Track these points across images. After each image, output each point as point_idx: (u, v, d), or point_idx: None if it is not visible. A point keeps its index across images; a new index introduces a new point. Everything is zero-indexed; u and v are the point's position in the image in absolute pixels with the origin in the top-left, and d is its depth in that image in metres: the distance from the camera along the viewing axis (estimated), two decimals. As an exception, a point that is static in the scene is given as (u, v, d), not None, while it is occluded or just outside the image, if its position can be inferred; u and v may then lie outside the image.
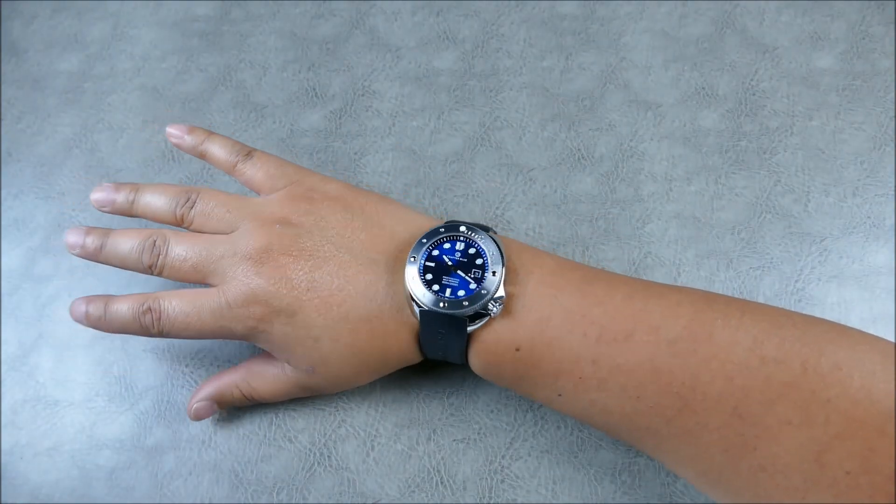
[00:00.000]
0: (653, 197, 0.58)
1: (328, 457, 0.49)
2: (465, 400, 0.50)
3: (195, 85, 0.66)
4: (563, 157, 0.61)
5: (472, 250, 0.33)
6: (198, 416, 0.45)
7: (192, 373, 0.53)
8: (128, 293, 0.57)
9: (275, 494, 0.48)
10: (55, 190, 0.62)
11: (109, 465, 0.50)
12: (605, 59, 0.64)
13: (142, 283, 0.56)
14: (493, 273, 0.33)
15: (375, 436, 0.50)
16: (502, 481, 0.48)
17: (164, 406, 0.52)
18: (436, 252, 0.34)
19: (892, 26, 0.63)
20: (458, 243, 0.34)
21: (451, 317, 0.32)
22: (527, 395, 0.36)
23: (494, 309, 0.32)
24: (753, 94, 0.62)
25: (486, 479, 0.48)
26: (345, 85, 0.66)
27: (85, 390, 0.53)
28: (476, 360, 0.35)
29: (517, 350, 0.32)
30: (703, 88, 0.63)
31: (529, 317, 0.32)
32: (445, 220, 0.37)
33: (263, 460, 0.50)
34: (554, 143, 0.62)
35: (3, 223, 0.60)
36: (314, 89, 0.65)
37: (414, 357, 0.38)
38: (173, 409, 0.52)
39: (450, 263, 0.33)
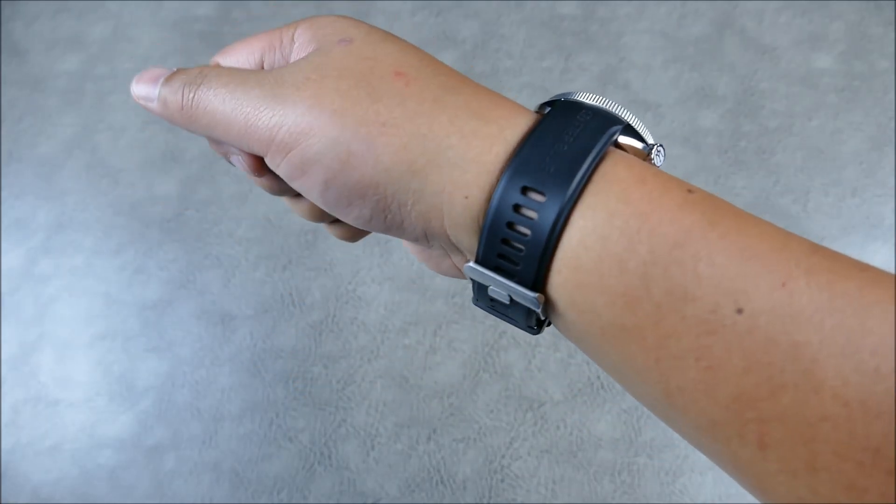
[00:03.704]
0: (652, 197, 0.58)
1: (328, 456, 0.49)
2: (465, 400, 0.50)
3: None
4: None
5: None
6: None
7: (192, 372, 0.53)
8: (130, 293, 0.57)
9: (275, 494, 0.49)
10: (56, 190, 0.62)
11: (110, 465, 0.51)
12: (605, 59, 0.65)
13: (142, 284, 0.57)
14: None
15: (375, 436, 0.50)
16: (502, 481, 0.48)
17: (164, 406, 0.52)
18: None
19: (891, 27, 0.63)
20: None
21: (596, 112, 0.21)
22: (638, 347, 0.19)
23: (659, 149, 0.21)
24: (752, 95, 0.62)
25: (486, 478, 0.48)
26: (345, 85, 0.66)
27: (86, 390, 0.53)
28: (601, 200, 0.20)
29: (689, 192, 0.19)
30: (703, 89, 0.63)
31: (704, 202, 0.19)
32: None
33: (264, 460, 0.50)
34: (554, 144, 0.62)
35: (4, 223, 0.61)
36: (314, 90, 0.66)
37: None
38: (174, 408, 0.52)
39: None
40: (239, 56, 0.25)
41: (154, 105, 0.25)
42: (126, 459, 0.50)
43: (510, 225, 0.20)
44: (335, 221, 0.28)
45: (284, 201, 0.27)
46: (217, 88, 0.23)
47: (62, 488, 0.49)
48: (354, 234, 0.30)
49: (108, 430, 0.52)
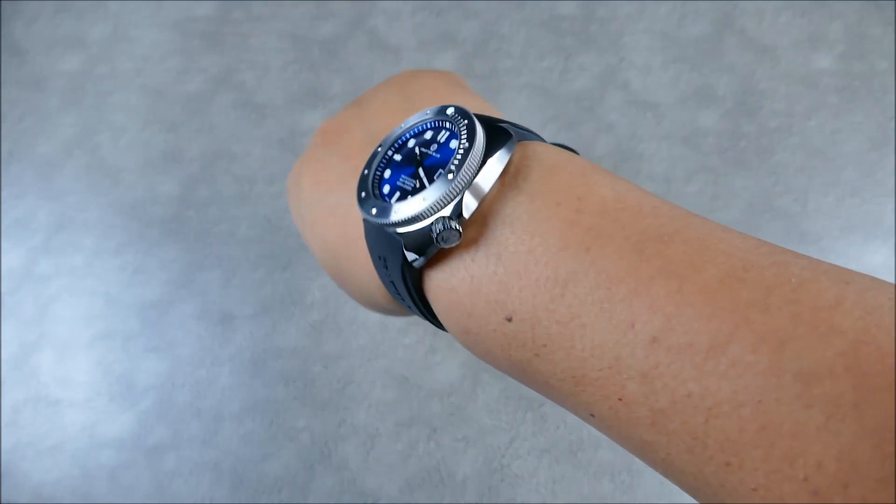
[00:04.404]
0: (652, 197, 0.59)
1: (328, 456, 0.50)
2: (465, 400, 0.50)
3: (196, 85, 0.66)
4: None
5: (452, 142, 0.21)
6: None
7: (193, 372, 0.53)
8: (130, 294, 0.57)
9: (275, 493, 0.49)
10: (56, 190, 0.62)
11: (110, 465, 0.51)
12: (605, 59, 0.65)
13: (142, 284, 0.57)
14: (450, 171, 0.19)
15: (375, 435, 0.50)
16: (502, 480, 0.48)
17: (165, 405, 0.52)
18: (411, 142, 0.22)
19: (891, 27, 0.63)
20: (443, 132, 0.22)
21: (380, 229, 0.21)
22: (545, 395, 0.21)
23: (439, 228, 0.20)
24: (752, 95, 0.62)
25: (486, 478, 0.48)
26: (345, 85, 0.66)
27: (86, 390, 0.53)
28: (443, 316, 0.22)
29: (508, 320, 0.20)
30: (703, 89, 0.63)
31: (534, 271, 0.19)
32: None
33: (264, 460, 0.50)
34: (553, 144, 0.62)
35: (4, 223, 0.61)
36: (314, 90, 0.66)
37: (380, 296, 0.25)
38: (174, 408, 0.52)
39: (417, 154, 0.22)
40: None
41: None
42: (126, 459, 0.50)
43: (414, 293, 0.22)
44: None
45: None
46: None
47: (63, 488, 0.49)
48: None
49: (108, 429, 0.52)
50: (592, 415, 0.18)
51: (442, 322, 0.22)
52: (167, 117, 0.65)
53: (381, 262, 0.22)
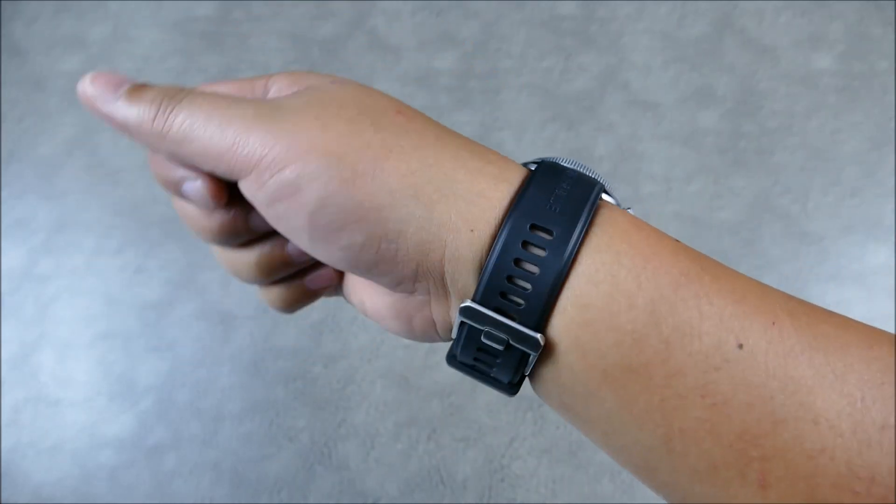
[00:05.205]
0: (652, 197, 0.58)
1: (328, 456, 0.50)
2: (465, 400, 0.50)
3: (196, 85, 0.66)
4: (562, 158, 0.61)
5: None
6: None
7: (193, 372, 0.53)
8: (130, 294, 0.57)
9: (275, 494, 0.49)
10: (57, 190, 0.62)
11: (111, 464, 0.51)
12: (605, 59, 0.65)
13: (143, 284, 0.57)
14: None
15: (375, 435, 0.50)
16: (502, 480, 0.48)
17: (164, 405, 0.52)
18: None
19: (891, 27, 0.63)
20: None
21: (579, 171, 0.21)
22: (626, 403, 0.19)
23: (630, 208, 0.21)
24: (752, 95, 0.62)
25: (486, 478, 0.48)
26: (345, 85, 0.66)
27: (86, 389, 0.53)
28: (601, 248, 0.20)
29: (676, 241, 0.20)
30: (703, 89, 0.63)
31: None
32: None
33: (264, 460, 0.50)
34: (554, 143, 0.62)
35: (4, 223, 0.61)
36: (314, 90, 0.66)
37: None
38: (174, 408, 0.52)
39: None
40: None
41: (110, 108, 0.23)
42: (126, 459, 0.50)
43: (516, 262, 0.19)
44: (278, 281, 0.26)
45: (221, 259, 0.24)
46: (203, 105, 0.22)
47: (63, 488, 0.49)
48: (296, 300, 0.27)
49: (108, 429, 0.52)
50: (741, 345, 0.19)
51: (582, 264, 0.20)
52: (167, 117, 0.65)
53: (553, 198, 0.21)
